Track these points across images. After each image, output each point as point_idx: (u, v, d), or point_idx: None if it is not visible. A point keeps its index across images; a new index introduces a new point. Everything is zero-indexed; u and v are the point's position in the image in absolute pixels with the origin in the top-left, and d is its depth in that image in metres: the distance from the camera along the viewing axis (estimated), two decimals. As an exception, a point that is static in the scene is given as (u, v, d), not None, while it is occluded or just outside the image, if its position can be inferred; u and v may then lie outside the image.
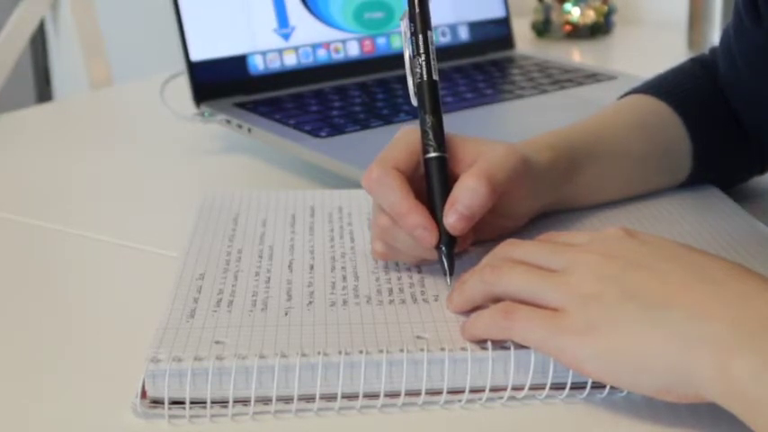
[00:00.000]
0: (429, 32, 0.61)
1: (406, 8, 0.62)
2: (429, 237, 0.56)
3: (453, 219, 0.56)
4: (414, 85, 0.61)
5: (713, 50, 0.77)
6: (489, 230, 0.62)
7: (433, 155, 0.59)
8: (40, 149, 0.96)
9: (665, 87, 0.73)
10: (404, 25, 0.62)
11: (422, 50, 0.61)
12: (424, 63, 0.61)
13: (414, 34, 0.61)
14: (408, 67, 0.62)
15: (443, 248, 0.57)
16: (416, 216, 0.56)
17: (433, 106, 0.60)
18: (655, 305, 0.46)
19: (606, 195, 0.69)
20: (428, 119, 0.59)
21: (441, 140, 0.59)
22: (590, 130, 0.69)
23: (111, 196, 0.81)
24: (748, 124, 0.73)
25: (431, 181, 0.58)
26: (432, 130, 0.59)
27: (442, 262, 0.57)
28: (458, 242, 0.58)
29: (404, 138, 0.60)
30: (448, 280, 0.56)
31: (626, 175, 0.70)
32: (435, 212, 0.57)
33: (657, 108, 0.72)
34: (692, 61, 0.78)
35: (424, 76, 0.61)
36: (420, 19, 0.61)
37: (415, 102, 0.61)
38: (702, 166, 0.72)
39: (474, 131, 0.64)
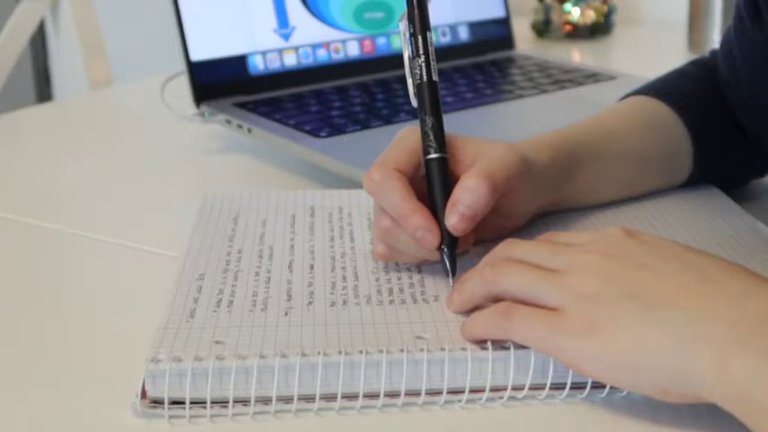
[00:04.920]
0: (428, 33, 0.61)
1: (405, 9, 0.62)
2: (431, 238, 0.56)
3: (455, 219, 0.57)
4: (413, 87, 0.61)
5: (714, 52, 0.77)
6: (489, 230, 0.62)
7: (433, 156, 0.59)
8: (40, 149, 0.96)
9: (665, 89, 0.73)
10: (403, 26, 0.62)
11: (421, 51, 0.61)
12: (423, 64, 0.61)
13: (413, 35, 0.61)
14: (408, 69, 0.62)
15: (445, 249, 0.57)
16: (418, 218, 0.56)
17: (433, 107, 0.60)
18: (654, 305, 0.46)
19: (606, 195, 0.69)
20: (428, 120, 0.59)
21: (441, 141, 0.59)
22: (590, 131, 0.69)
23: (111, 196, 0.81)
24: (749, 126, 0.73)
25: (432, 182, 0.58)
26: (432, 131, 0.59)
27: (445, 263, 0.57)
28: (459, 242, 0.58)
29: (404, 139, 0.60)
30: (450, 281, 0.56)
31: (626, 176, 0.70)
32: (437, 213, 0.57)
33: (658, 109, 0.72)
34: (693, 63, 0.78)
35: (424, 77, 0.61)
36: (419, 20, 0.61)
37: (414, 103, 0.61)
38: (703, 167, 0.72)
39: (474, 131, 0.64)
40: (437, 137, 0.59)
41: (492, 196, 0.57)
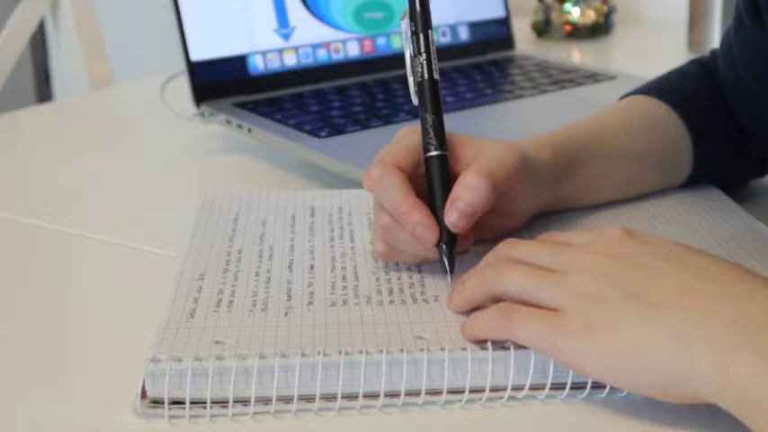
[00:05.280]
0: (429, 32, 0.61)
1: (407, 8, 0.62)
2: (430, 235, 0.56)
3: (454, 216, 0.57)
4: (414, 85, 0.61)
5: (714, 52, 0.77)
6: (489, 230, 0.62)
7: (433, 153, 0.59)
8: (40, 149, 0.96)
9: (666, 89, 0.73)
10: (404, 24, 0.62)
11: (423, 50, 0.61)
12: (425, 62, 0.61)
13: (414, 33, 0.61)
14: (409, 67, 0.62)
15: (444, 247, 0.57)
16: (417, 214, 0.56)
17: (434, 105, 0.60)
18: (654, 305, 0.46)
19: (606, 195, 0.69)
20: (429, 118, 0.59)
21: (441, 139, 0.59)
22: (590, 130, 0.69)
23: (111, 196, 0.81)
24: (748, 125, 0.73)
25: (431, 179, 0.59)
26: (432, 129, 0.59)
27: (443, 261, 0.57)
28: (458, 241, 0.58)
29: (404, 137, 0.60)
30: (448, 278, 0.57)
31: (626, 176, 0.70)
32: (436, 211, 0.57)
33: (658, 109, 0.72)
34: (693, 63, 0.78)
35: (425, 75, 0.61)
36: (421, 18, 0.61)
37: (415, 101, 0.61)
38: (703, 167, 0.72)
39: (474, 131, 0.64)
40: (437, 134, 0.59)
41: (492, 194, 0.57)
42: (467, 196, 0.57)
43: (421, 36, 0.61)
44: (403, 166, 0.58)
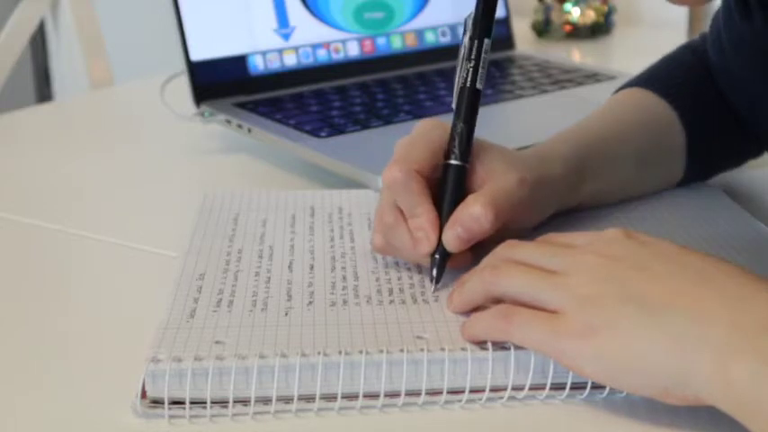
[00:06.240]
0: (486, 41, 0.60)
1: (473, 10, 0.61)
2: (426, 244, 0.57)
3: (451, 238, 0.57)
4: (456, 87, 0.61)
5: (703, 36, 0.77)
6: (492, 240, 0.61)
7: (453, 162, 0.59)
8: (40, 149, 0.96)
9: (659, 81, 0.74)
10: (466, 25, 0.61)
11: (473, 56, 0.60)
12: (471, 69, 0.60)
13: (471, 38, 0.61)
14: (458, 68, 0.61)
15: (437, 257, 0.57)
16: (425, 221, 0.57)
17: (468, 114, 0.60)
18: (654, 307, 0.46)
19: (610, 198, 0.69)
20: (459, 126, 0.59)
21: (466, 150, 0.59)
22: (596, 134, 0.68)
23: (111, 196, 0.81)
24: (739, 109, 0.73)
25: (445, 187, 0.59)
26: (459, 138, 0.59)
27: (432, 270, 0.57)
28: (455, 258, 0.58)
29: (428, 134, 0.60)
30: (432, 288, 0.57)
31: (629, 177, 0.70)
32: (441, 219, 0.58)
33: (653, 104, 0.72)
34: (684, 48, 0.78)
35: (468, 83, 0.60)
36: (481, 24, 0.61)
37: (455, 104, 0.61)
38: (698, 155, 0.72)
39: (474, 132, 0.63)
40: (463, 145, 0.59)
41: (493, 226, 0.57)
42: (467, 224, 0.57)
43: (475, 42, 0.60)
44: (424, 169, 0.58)
